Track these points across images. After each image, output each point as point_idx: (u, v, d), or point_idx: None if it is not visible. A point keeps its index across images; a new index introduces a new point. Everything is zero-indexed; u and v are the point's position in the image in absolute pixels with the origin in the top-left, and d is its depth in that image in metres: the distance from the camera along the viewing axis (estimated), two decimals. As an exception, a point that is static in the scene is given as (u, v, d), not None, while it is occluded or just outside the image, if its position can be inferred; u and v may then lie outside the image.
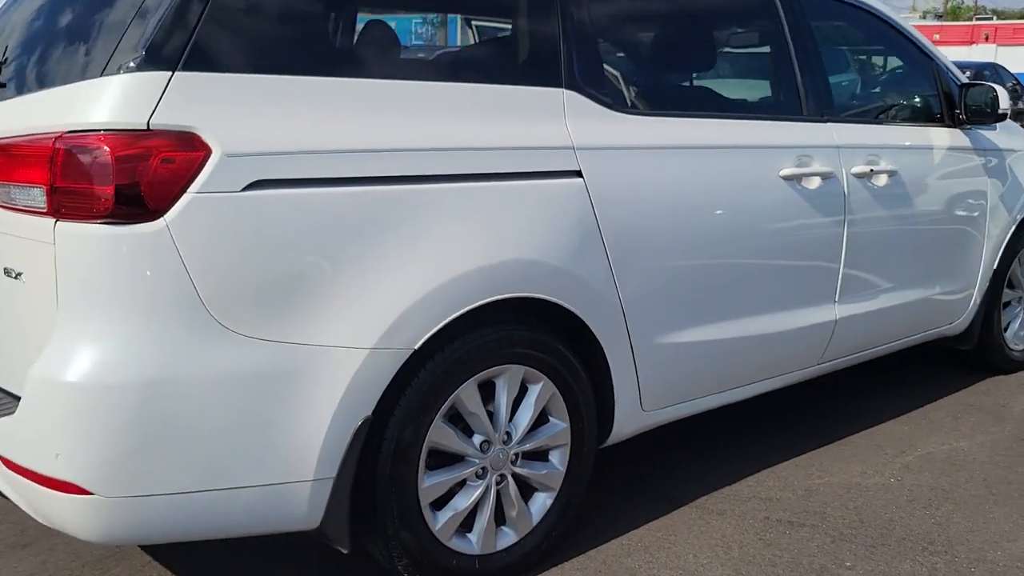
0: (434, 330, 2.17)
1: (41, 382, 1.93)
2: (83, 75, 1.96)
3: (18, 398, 2.07)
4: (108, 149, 1.85)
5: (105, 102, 1.88)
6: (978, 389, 4.10)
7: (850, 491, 3.05)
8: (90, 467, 1.91)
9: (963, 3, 52.55)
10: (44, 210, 1.91)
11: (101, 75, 1.91)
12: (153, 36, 1.91)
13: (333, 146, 2.06)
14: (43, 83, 2.05)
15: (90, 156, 1.86)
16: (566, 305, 2.44)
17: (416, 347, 2.15)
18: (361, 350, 2.08)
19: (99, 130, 1.86)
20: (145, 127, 1.88)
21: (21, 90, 2.09)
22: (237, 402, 1.99)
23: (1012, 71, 19.92)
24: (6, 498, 2.14)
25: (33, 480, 1.97)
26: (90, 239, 1.88)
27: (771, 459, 3.29)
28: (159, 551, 2.64)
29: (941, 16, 49.67)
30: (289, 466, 2.06)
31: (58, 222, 1.90)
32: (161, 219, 1.88)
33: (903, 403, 3.89)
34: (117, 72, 1.90)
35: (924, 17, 48.59)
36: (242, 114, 1.97)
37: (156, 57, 1.90)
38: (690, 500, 2.97)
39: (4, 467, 2.04)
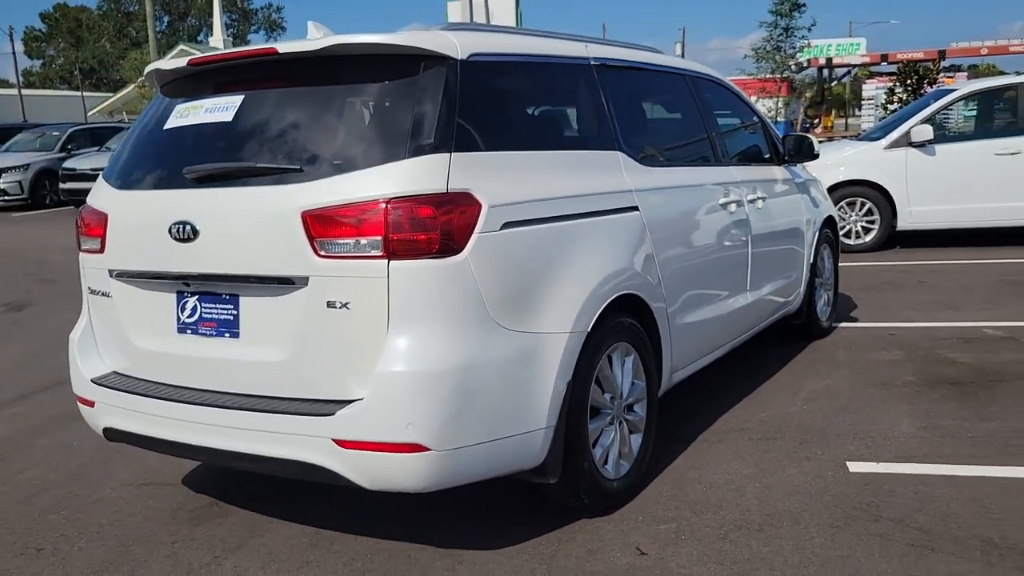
0: (595, 318, 3.18)
1: (389, 375, 2.70)
2: (386, 159, 2.76)
3: (332, 402, 2.80)
4: (431, 208, 2.70)
5: (417, 176, 2.73)
6: (812, 348, 5.72)
7: (787, 417, 4.41)
8: (430, 430, 2.71)
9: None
10: (380, 254, 2.70)
11: (406, 158, 2.75)
12: (435, 131, 2.79)
13: (538, 196, 3.04)
14: (342, 167, 2.80)
15: (418, 213, 2.69)
16: (644, 298, 3.54)
17: (588, 330, 3.15)
18: (564, 333, 3.05)
19: (419, 195, 2.71)
20: (445, 191, 2.75)
21: (323, 172, 2.82)
22: (508, 375, 2.88)
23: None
24: (323, 478, 2.82)
25: (379, 449, 2.72)
26: (418, 271, 2.70)
27: (724, 405, 4.58)
28: (369, 529, 3.34)
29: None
30: (534, 418, 2.96)
31: (391, 261, 2.70)
32: (463, 253, 2.75)
33: (776, 363, 5.37)
34: (418, 155, 2.75)
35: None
36: (490, 178, 2.89)
37: (440, 144, 2.79)
38: (695, 437, 4.15)
39: (339, 447, 2.75)
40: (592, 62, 3.69)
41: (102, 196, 3.34)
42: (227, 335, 3.02)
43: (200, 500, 3.71)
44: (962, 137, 9.78)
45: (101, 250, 3.30)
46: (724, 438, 4.14)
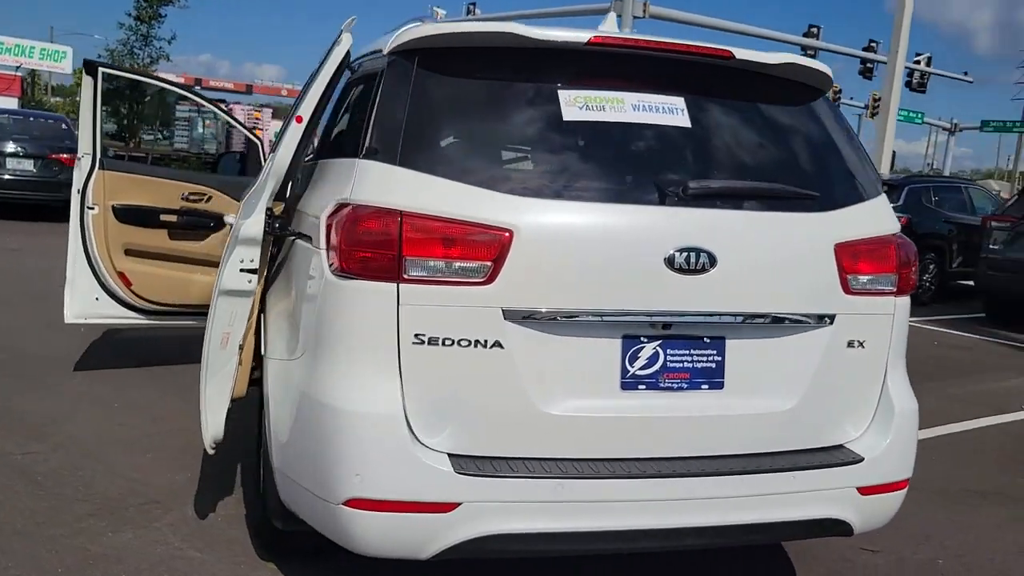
0: None
1: (904, 412, 2.70)
2: (869, 193, 2.69)
3: (839, 448, 2.65)
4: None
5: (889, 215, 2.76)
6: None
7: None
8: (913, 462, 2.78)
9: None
10: (892, 290, 2.67)
11: (877, 195, 2.73)
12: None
13: None
14: (842, 197, 2.63)
15: (899, 252, 2.71)
16: None
17: None
18: None
19: (894, 234, 2.74)
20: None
21: (836, 202, 2.61)
22: None
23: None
24: (824, 533, 2.61)
25: (890, 490, 2.68)
26: (902, 307, 2.73)
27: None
28: None
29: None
30: None
31: (896, 298, 2.68)
32: None
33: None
34: (879, 193, 2.77)
35: None
36: None
37: None
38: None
39: (859, 495, 2.60)
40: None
41: (494, 206, 2.29)
42: (705, 387, 2.49)
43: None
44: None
45: (486, 281, 2.28)
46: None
